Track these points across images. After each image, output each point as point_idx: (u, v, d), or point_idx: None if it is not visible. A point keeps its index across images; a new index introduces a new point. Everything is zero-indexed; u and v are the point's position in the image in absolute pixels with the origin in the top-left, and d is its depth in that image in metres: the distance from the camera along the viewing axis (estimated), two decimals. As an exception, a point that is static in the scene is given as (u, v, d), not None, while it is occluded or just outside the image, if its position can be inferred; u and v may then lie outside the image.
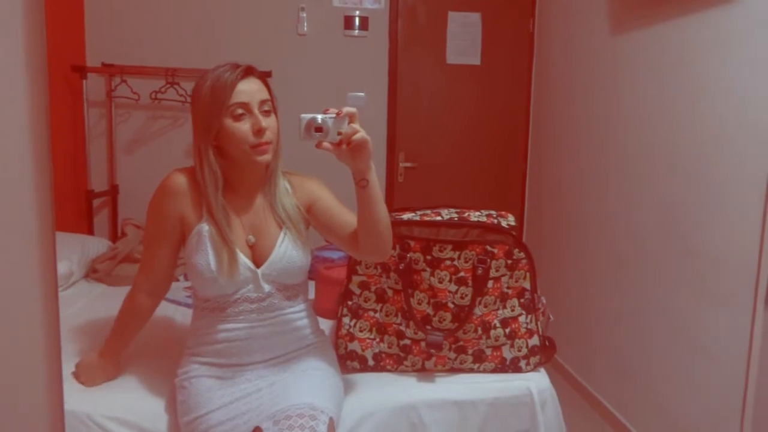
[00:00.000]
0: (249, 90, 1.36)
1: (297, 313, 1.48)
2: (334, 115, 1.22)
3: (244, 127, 1.34)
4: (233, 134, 1.34)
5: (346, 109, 1.23)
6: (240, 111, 1.34)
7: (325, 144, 1.23)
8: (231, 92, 1.33)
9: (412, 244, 1.58)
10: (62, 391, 0.70)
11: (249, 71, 1.38)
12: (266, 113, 1.38)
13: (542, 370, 1.71)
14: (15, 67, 0.63)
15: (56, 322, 0.69)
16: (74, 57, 3.03)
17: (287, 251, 1.42)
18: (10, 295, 0.64)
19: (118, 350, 1.55)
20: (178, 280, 2.45)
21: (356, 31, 3.33)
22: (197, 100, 1.37)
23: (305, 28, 3.28)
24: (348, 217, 1.44)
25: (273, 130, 1.38)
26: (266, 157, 1.37)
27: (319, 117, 1.22)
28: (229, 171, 1.43)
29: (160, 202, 1.43)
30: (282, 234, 1.44)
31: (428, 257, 1.58)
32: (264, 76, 1.43)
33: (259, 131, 1.34)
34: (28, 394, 0.66)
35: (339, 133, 1.23)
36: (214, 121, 1.34)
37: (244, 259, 1.39)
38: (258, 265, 1.41)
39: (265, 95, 1.39)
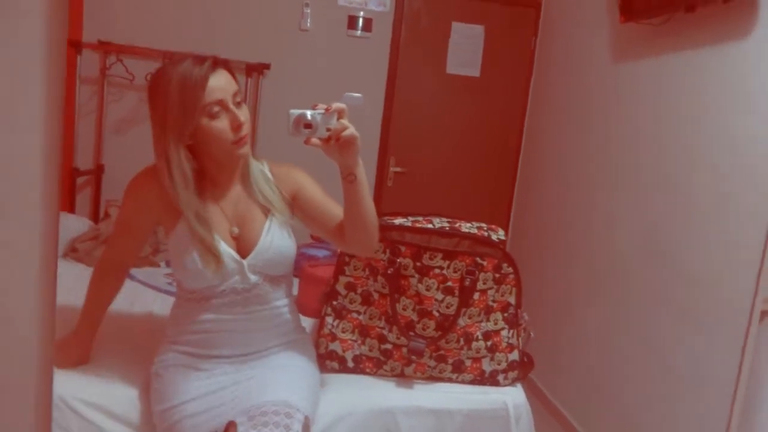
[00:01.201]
0: (221, 85, 1.29)
1: (281, 308, 1.47)
2: (323, 111, 1.20)
3: (221, 125, 1.29)
4: (212, 134, 1.29)
5: (336, 105, 1.21)
6: (216, 109, 1.28)
7: (314, 140, 1.21)
8: (203, 90, 1.26)
9: (403, 249, 1.58)
10: (52, 373, 0.69)
11: (216, 63, 1.31)
12: (239, 105, 1.33)
13: (519, 385, 1.72)
14: (35, 47, 0.62)
15: (52, 303, 0.67)
16: (70, 31, 2.98)
17: (274, 240, 1.41)
18: (10, 275, 0.63)
19: (89, 330, 1.53)
20: (159, 266, 2.42)
21: (359, 32, 3.33)
22: (162, 101, 1.27)
23: (308, 24, 3.27)
24: (334, 209, 1.43)
25: (248, 121, 1.35)
26: (246, 149, 1.35)
27: (308, 113, 1.20)
28: (207, 165, 1.39)
29: (136, 197, 1.41)
30: (268, 222, 1.42)
31: (418, 264, 1.58)
32: (229, 66, 1.35)
33: (238, 127, 1.30)
34: (19, 377, 0.64)
35: (328, 129, 1.21)
36: (187, 122, 1.27)
37: (229, 251, 1.37)
38: (244, 255, 1.40)
39: (235, 86, 1.33)
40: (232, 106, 1.30)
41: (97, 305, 1.53)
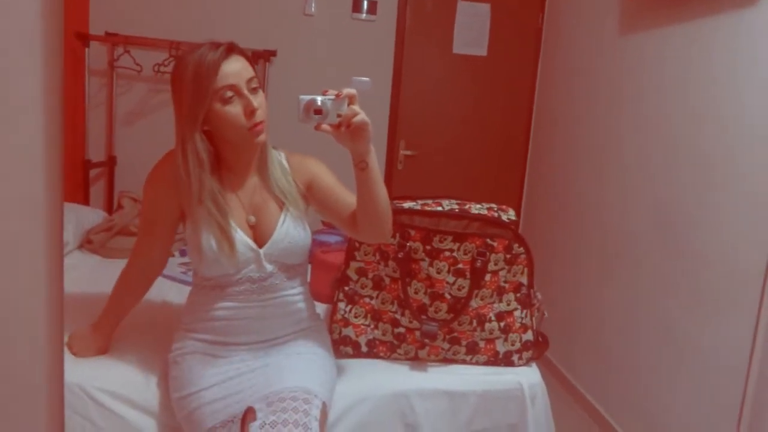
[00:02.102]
0: (235, 70, 1.29)
1: (296, 295, 1.47)
2: (333, 97, 1.19)
3: (235, 110, 1.29)
4: (225, 118, 1.30)
5: (346, 91, 1.20)
6: (229, 94, 1.28)
7: (324, 126, 1.20)
8: (216, 75, 1.27)
9: (413, 233, 1.58)
10: (63, 361, 0.70)
11: (231, 49, 1.31)
12: (254, 91, 1.32)
13: (534, 365, 1.72)
14: (31, 36, 0.62)
15: (60, 293, 0.68)
16: (77, 24, 2.98)
17: (289, 231, 1.41)
18: (16, 266, 0.63)
19: (112, 325, 1.55)
20: (173, 255, 2.44)
21: (364, 15, 3.30)
22: (179, 86, 1.30)
23: (312, 9, 3.24)
24: (348, 198, 1.43)
25: (264, 108, 1.34)
26: (263, 137, 1.34)
27: (319, 99, 1.19)
28: (224, 152, 1.40)
29: (157, 183, 1.41)
30: (283, 213, 1.43)
31: (428, 247, 1.58)
32: (246, 52, 1.36)
33: (252, 113, 1.29)
34: (30, 363, 0.65)
35: (338, 115, 1.20)
36: (200, 107, 1.28)
37: (246, 239, 1.38)
38: (260, 244, 1.41)
39: (251, 72, 1.33)
40: (246, 92, 1.30)
41: (123, 301, 1.54)
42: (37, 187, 0.64)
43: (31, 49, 0.62)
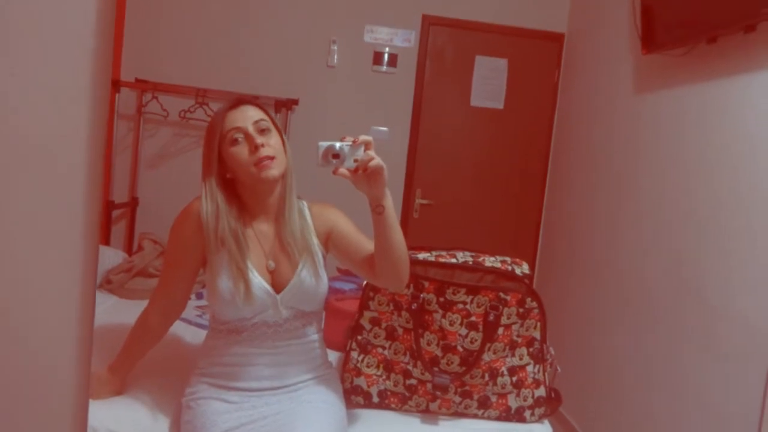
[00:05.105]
0: (241, 115, 1.40)
1: (310, 342, 1.49)
2: (350, 143, 1.25)
3: (242, 149, 1.38)
4: (234, 159, 1.38)
5: (363, 137, 1.26)
6: (236, 135, 1.39)
7: (342, 170, 1.25)
8: (224, 121, 1.39)
9: (426, 284, 1.59)
10: (87, 403, 0.72)
11: (241, 101, 1.44)
12: (263, 131, 1.41)
13: (546, 421, 1.69)
14: (82, 85, 0.66)
15: (89, 335, 0.71)
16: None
17: (306, 279, 1.44)
18: (49, 304, 0.66)
19: (128, 366, 1.56)
20: (189, 299, 2.47)
21: (384, 67, 3.41)
22: (204, 140, 1.45)
23: (335, 61, 3.36)
24: (366, 244, 1.46)
25: (274, 146, 1.41)
26: (271, 172, 1.38)
27: (337, 144, 1.24)
28: (244, 197, 1.46)
29: (182, 228, 1.46)
30: (302, 260, 1.46)
31: (441, 299, 1.59)
32: (258, 102, 1.46)
33: (256, 148, 1.37)
34: (56, 404, 0.67)
35: (355, 161, 1.25)
36: (212, 152, 1.40)
37: (263, 284, 1.41)
38: (278, 290, 1.43)
39: (260, 115, 1.42)
40: (251, 131, 1.39)
41: (140, 343, 1.55)
42: (75, 229, 0.67)
43: (79, 100, 0.67)
